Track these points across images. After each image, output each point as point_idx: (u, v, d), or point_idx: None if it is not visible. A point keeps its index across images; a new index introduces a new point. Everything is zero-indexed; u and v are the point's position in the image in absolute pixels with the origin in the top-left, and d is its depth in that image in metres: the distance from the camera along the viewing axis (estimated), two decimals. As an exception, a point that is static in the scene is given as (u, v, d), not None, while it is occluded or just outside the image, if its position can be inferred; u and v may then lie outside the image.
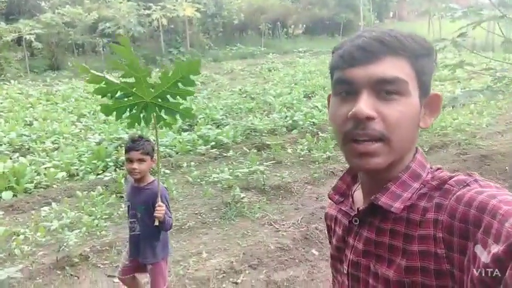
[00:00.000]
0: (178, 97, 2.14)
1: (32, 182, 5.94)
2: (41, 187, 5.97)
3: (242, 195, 5.27)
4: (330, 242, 1.02)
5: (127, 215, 2.99)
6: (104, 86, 2.00)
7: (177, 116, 2.21)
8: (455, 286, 0.68)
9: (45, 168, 6.35)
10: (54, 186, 6.01)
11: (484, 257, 0.60)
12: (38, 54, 19.93)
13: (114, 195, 5.59)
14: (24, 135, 7.94)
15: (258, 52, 22.67)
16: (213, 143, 7.27)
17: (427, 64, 0.78)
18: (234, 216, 4.89)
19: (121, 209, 5.15)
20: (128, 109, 2.14)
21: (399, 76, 0.73)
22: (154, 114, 2.19)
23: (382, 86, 0.73)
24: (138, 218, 2.85)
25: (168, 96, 2.12)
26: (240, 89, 13.14)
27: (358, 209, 0.86)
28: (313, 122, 8.77)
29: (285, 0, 27.48)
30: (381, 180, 0.81)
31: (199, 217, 4.96)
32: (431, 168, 0.83)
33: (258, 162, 6.18)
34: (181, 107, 2.18)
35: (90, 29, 19.57)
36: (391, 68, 0.73)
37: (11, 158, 6.71)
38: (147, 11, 19.86)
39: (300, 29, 33.12)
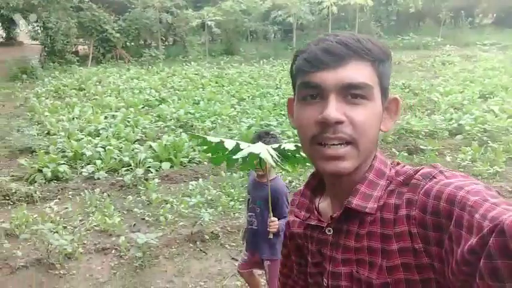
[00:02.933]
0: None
1: (187, 157, 6.56)
2: (194, 162, 6.56)
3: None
4: (293, 262, 1.01)
5: (246, 208, 3.02)
6: (216, 146, 1.82)
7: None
8: (437, 277, 0.69)
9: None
10: (205, 163, 6.52)
11: (460, 249, 0.61)
12: (217, 39, 21.94)
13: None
14: (190, 113, 8.83)
15: (433, 43, 20.64)
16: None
17: (387, 68, 0.79)
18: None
19: (256, 195, 5.30)
20: (241, 159, 1.95)
21: (366, 81, 0.75)
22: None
23: (349, 91, 0.74)
24: (257, 212, 2.84)
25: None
26: (404, 83, 12.16)
27: (331, 217, 0.83)
28: (484, 129, 7.57)
29: (473, -15, 24.29)
30: (348, 184, 0.81)
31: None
32: (392, 163, 0.84)
33: (405, 167, 5.62)
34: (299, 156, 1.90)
35: (264, 16, 20.62)
36: (358, 72, 0.74)
37: (175, 133, 7.54)
38: (318, -1, 19.93)
39: (490, 18, 28.99)
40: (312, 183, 0.93)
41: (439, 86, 11.49)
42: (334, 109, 0.72)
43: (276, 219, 2.57)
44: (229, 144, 1.75)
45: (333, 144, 0.74)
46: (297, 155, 1.88)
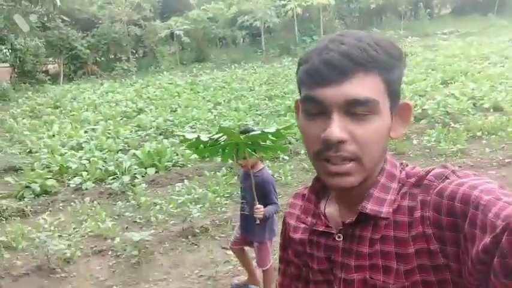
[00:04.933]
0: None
1: (171, 161, 6.83)
2: (178, 166, 6.83)
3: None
4: (292, 272, 0.97)
5: (240, 195, 3.39)
6: (196, 141, 2.24)
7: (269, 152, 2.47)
8: (454, 277, 0.69)
9: (183, 149, 7.20)
10: (189, 165, 6.81)
11: (475, 248, 0.61)
12: (187, 47, 22.18)
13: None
14: (169, 120, 9.09)
15: (395, 36, 21.46)
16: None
17: (397, 73, 0.74)
18: (343, 204, 4.94)
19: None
20: (220, 150, 2.37)
21: (371, 96, 0.70)
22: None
23: (353, 107, 0.70)
24: (247, 200, 3.15)
25: (259, 141, 2.36)
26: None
27: (343, 222, 0.81)
28: (447, 112, 8.12)
29: (429, -22, 25.37)
30: (359, 189, 0.78)
31: (310, 202, 5.13)
32: (401, 165, 0.82)
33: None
34: (277, 145, 2.40)
35: (231, 22, 21.02)
36: (362, 87, 0.70)
37: (156, 140, 7.79)
38: (282, 2, 20.43)
39: (448, 8, 30.20)
40: (316, 187, 0.91)
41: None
42: (336, 128, 0.70)
43: (262, 206, 2.90)
44: (203, 137, 2.16)
45: (337, 161, 0.72)
46: (270, 143, 2.30)
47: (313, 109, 0.74)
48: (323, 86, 0.71)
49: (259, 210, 2.91)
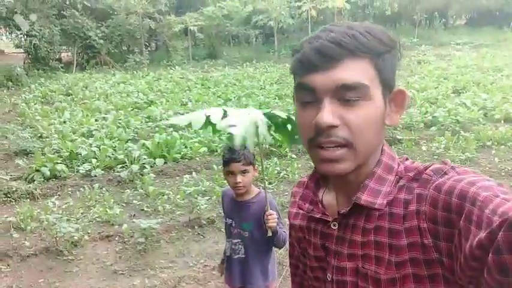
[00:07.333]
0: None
1: (179, 153, 6.88)
2: (186, 158, 6.88)
3: (362, 185, 5.28)
4: (298, 253, 0.99)
5: (226, 235, 2.57)
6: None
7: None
8: (445, 273, 0.69)
9: (192, 142, 7.26)
10: (197, 158, 6.85)
11: (469, 243, 0.61)
12: (200, 43, 22.29)
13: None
14: (179, 113, 9.14)
15: (409, 44, 21.39)
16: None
17: (389, 60, 0.76)
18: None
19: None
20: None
21: (360, 81, 0.72)
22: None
23: (343, 92, 0.72)
24: (246, 238, 2.41)
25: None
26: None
27: (338, 212, 0.83)
28: (457, 120, 8.10)
29: (445, -12, 25.22)
30: (355, 179, 0.80)
31: (317, 201, 5.16)
32: (400, 158, 0.83)
33: (384, 156, 6.05)
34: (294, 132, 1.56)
35: (245, 21, 21.09)
36: (351, 72, 0.71)
37: (166, 132, 7.85)
38: (298, 3, 20.46)
39: (463, 19, 30.05)
40: (315, 176, 0.92)
41: (415, 83, 12.05)
42: (327, 113, 0.71)
43: (275, 212, 2.24)
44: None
45: (329, 147, 0.73)
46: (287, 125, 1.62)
47: (306, 97, 0.75)
48: (313, 72, 0.72)
49: (273, 216, 2.19)
